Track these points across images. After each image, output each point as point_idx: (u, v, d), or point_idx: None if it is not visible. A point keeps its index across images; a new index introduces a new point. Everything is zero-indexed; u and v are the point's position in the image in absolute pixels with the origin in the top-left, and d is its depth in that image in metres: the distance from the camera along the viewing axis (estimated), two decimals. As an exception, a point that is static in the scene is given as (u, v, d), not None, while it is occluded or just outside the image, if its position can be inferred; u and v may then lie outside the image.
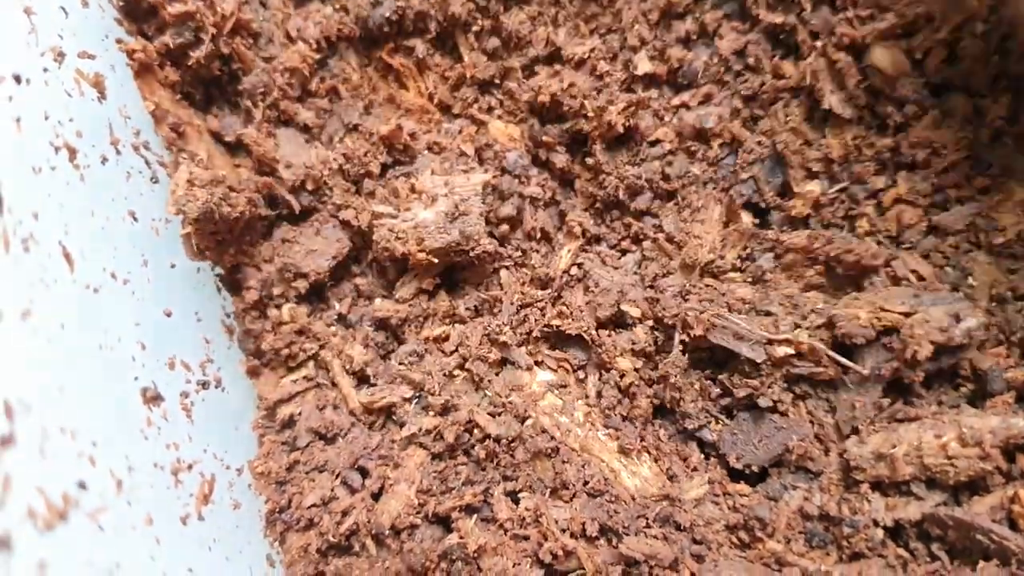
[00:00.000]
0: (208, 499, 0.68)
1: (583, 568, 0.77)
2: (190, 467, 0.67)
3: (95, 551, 0.53)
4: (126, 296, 0.66)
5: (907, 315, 0.77)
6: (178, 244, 0.76)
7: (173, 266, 0.74)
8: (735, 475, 0.83)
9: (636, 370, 0.83)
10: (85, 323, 0.59)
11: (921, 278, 0.80)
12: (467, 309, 0.86)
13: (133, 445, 0.60)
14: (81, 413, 0.55)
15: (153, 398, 0.64)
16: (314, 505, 0.79)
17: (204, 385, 0.74)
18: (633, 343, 0.83)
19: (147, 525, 0.59)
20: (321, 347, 0.84)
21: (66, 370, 0.55)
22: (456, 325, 0.85)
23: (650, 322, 0.83)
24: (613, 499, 0.80)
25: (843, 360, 0.78)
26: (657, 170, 0.85)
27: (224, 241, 0.80)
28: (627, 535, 0.77)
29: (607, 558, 0.77)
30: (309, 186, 0.83)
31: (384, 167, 0.85)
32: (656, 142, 0.86)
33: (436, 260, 0.82)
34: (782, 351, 0.79)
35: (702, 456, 0.84)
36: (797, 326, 0.80)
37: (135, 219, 0.70)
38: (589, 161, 0.86)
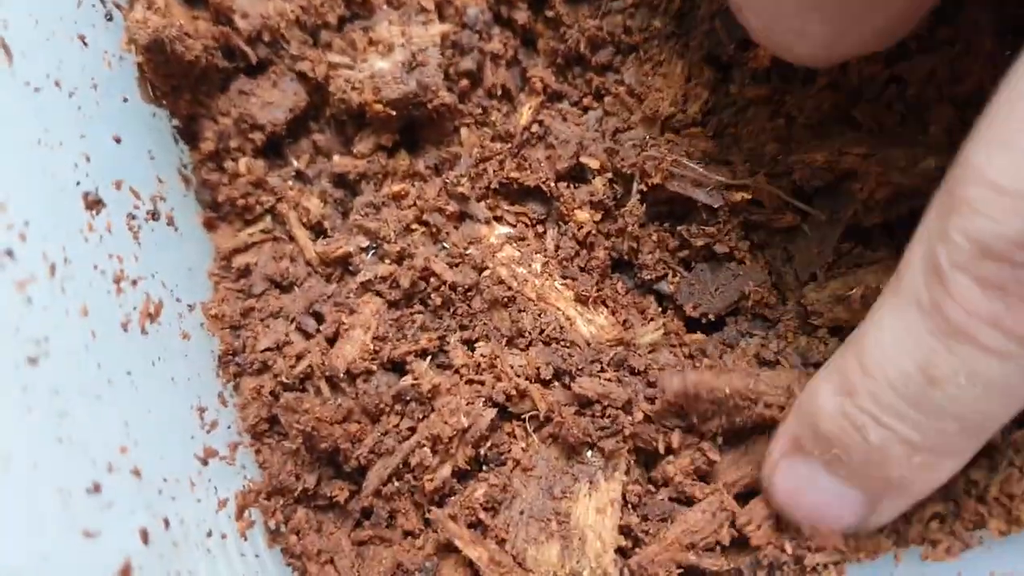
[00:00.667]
0: (153, 319, 0.68)
1: (536, 408, 0.77)
2: (135, 283, 0.67)
3: (23, 320, 0.52)
4: (71, 108, 0.65)
5: (865, 156, 0.76)
6: (132, 82, 0.76)
7: (126, 100, 0.74)
8: (692, 327, 0.83)
9: (595, 222, 0.82)
10: (20, 113, 0.59)
11: (881, 125, 0.79)
12: (427, 167, 0.85)
13: (71, 241, 0.60)
14: (12, 190, 0.55)
15: (95, 202, 0.64)
16: (268, 349, 0.79)
17: (154, 216, 0.73)
18: (592, 195, 0.82)
19: (82, 315, 0.58)
20: (278, 201, 0.84)
21: (-3, 147, 0.55)
22: (416, 183, 0.85)
23: (609, 174, 0.82)
24: (568, 345, 0.79)
25: (800, 204, 0.78)
26: (619, 23, 0.84)
27: (179, 87, 0.79)
28: (580, 377, 0.77)
29: (560, 399, 0.77)
30: (265, 37, 0.82)
31: (342, 20, 0.84)
32: (619, -6, 0.85)
33: (393, 112, 0.82)
34: (739, 196, 0.78)
35: (659, 308, 0.83)
36: (755, 173, 0.79)
37: (85, 44, 0.70)
38: (550, 15, 0.85)
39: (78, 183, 0.63)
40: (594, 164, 0.82)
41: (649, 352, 0.79)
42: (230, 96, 0.83)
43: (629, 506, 0.77)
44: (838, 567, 0.73)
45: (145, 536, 0.57)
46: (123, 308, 0.64)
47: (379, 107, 0.81)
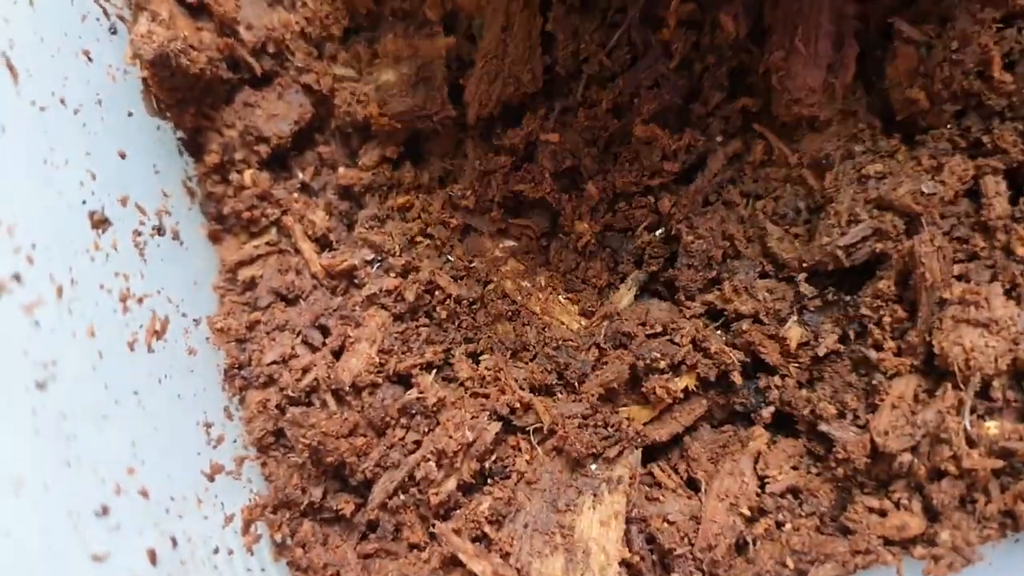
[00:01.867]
0: (160, 336, 0.68)
1: (540, 421, 0.77)
2: (140, 300, 0.67)
3: (30, 344, 0.53)
4: (76, 125, 0.65)
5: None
6: (136, 96, 0.76)
7: (130, 114, 0.74)
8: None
9: (594, 233, 0.82)
10: (26, 133, 0.59)
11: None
12: (431, 180, 0.85)
13: (77, 261, 0.60)
14: (20, 212, 0.55)
15: (101, 222, 0.64)
16: (274, 362, 0.79)
17: (159, 231, 0.73)
18: (591, 204, 0.82)
19: (89, 336, 0.59)
20: (283, 213, 0.84)
21: (2, 169, 0.55)
22: (420, 195, 0.85)
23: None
24: (572, 357, 0.79)
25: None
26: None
27: (184, 100, 0.79)
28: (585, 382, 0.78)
29: (564, 411, 0.77)
30: (270, 49, 0.82)
31: (347, 32, 0.84)
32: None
33: (399, 125, 0.82)
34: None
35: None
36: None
37: (90, 59, 0.70)
38: (550, 29, 0.85)
39: (84, 202, 0.63)
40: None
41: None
42: (235, 108, 0.83)
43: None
44: (841, 582, 0.73)
45: (153, 557, 0.58)
46: (129, 327, 0.65)
47: (384, 120, 0.81)
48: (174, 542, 0.61)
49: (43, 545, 0.48)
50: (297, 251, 0.84)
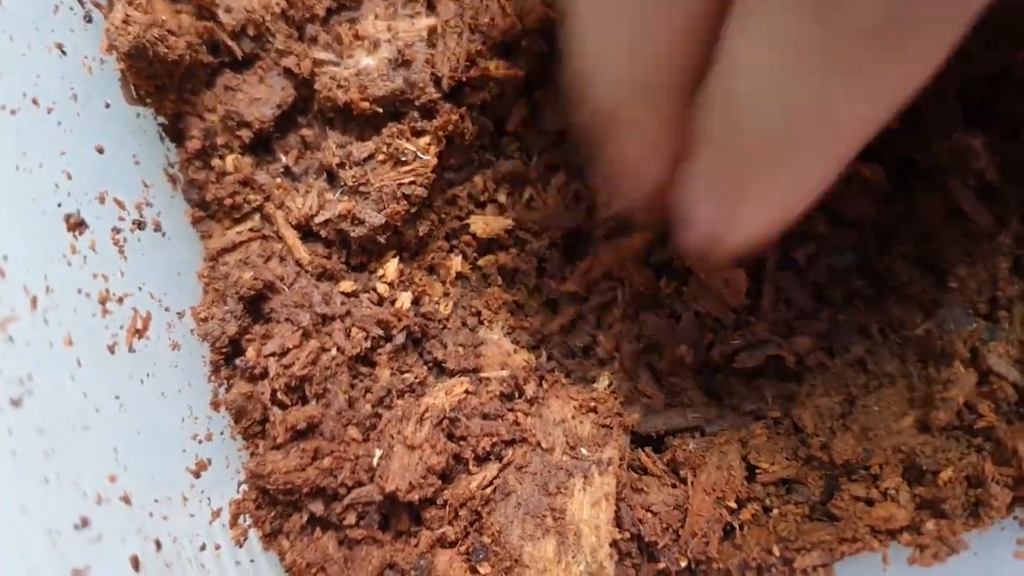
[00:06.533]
0: (141, 334, 0.68)
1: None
2: (121, 300, 0.66)
3: (4, 360, 0.52)
4: (50, 124, 0.64)
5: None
6: (114, 85, 0.74)
7: (108, 106, 0.73)
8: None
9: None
10: (-3, 141, 0.58)
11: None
12: (420, 162, 0.84)
13: (53, 268, 0.60)
14: (-10, 225, 0.54)
15: (77, 224, 0.63)
16: (266, 354, 0.78)
17: (140, 225, 0.72)
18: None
19: (66, 345, 0.58)
20: (266, 199, 0.83)
21: (-27, 181, 0.54)
22: (407, 178, 0.84)
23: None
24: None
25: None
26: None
27: (164, 87, 0.78)
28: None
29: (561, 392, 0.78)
30: (250, 31, 0.80)
31: (329, 12, 0.82)
32: None
33: (380, 110, 0.80)
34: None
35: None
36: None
37: (63, 52, 0.68)
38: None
39: (59, 204, 0.63)
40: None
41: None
42: (216, 92, 0.81)
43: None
44: (826, 569, 0.74)
45: (136, 563, 0.58)
46: (109, 329, 0.64)
47: (365, 105, 0.79)
48: (158, 545, 0.62)
49: (20, 565, 0.49)
50: (280, 237, 0.83)
